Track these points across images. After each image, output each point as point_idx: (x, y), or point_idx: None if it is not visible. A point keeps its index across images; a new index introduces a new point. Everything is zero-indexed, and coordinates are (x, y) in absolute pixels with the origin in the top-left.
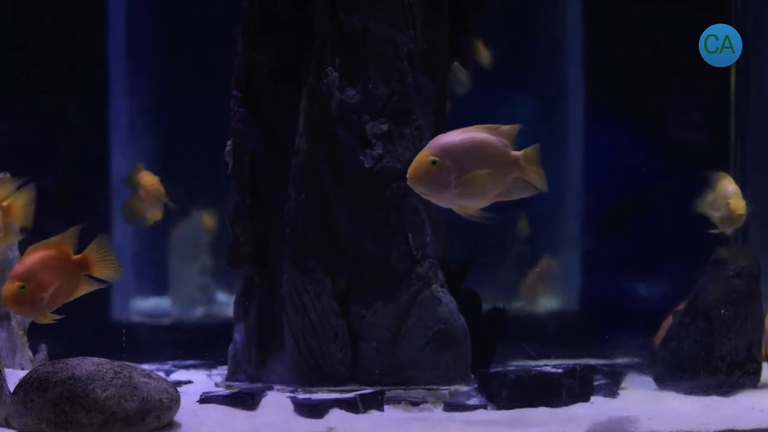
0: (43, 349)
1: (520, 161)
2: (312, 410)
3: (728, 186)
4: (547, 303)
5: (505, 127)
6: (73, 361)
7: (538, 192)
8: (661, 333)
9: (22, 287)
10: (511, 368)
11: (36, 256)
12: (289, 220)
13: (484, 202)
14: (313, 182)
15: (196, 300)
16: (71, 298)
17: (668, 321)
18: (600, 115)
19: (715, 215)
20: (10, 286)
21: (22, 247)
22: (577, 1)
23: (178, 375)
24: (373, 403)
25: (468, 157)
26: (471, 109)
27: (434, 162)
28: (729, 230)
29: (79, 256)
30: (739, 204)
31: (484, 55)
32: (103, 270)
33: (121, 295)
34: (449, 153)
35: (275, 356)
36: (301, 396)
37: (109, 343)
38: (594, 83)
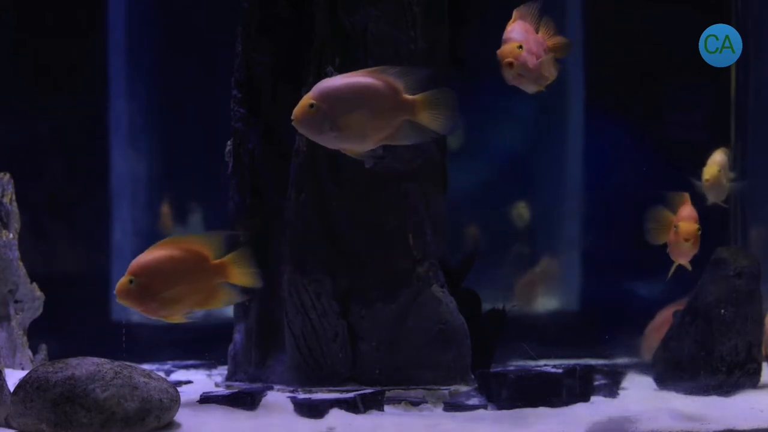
0: (43, 349)
1: (414, 105)
2: (312, 410)
3: (713, 156)
4: (548, 303)
5: (395, 71)
6: (73, 361)
7: (436, 135)
8: (649, 333)
9: (131, 281)
10: (511, 368)
11: (159, 252)
12: (289, 220)
13: (368, 145)
14: (313, 182)
15: None
16: (209, 305)
17: (656, 322)
18: (599, 115)
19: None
20: (122, 280)
21: (22, 249)
22: (577, 1)
23: (178, 375)
24: (373, 403)
25: (345, 102)
26: (471, 107)
27: (312, 105)
28: (711, 198)
29: (217, 261)
30: (707, 170)
31: None
32: (242, 277)
33: None
34: (326, 97)
35: (275, 356)
36: (301, 396)
37: (109, 343)
38: (593, 83)
